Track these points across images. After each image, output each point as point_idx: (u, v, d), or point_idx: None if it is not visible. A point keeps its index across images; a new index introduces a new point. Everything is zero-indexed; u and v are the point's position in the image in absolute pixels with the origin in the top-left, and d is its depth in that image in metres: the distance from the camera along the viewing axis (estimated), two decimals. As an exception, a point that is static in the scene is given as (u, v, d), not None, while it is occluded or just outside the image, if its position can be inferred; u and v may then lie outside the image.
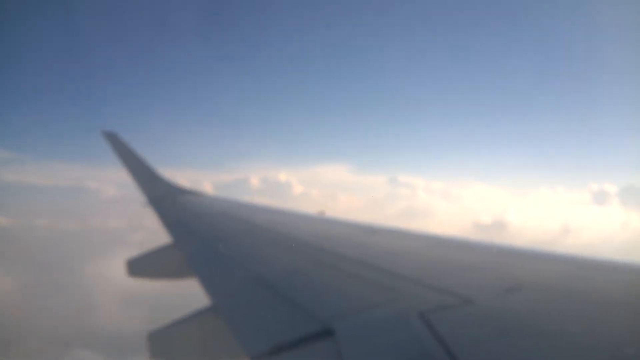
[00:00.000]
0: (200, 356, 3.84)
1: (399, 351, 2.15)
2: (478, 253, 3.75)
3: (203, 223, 7.13)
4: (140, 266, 6.51)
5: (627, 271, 2.88)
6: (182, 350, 3.83)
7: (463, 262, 3.47)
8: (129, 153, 11.34)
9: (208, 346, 3.71)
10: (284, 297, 3.24)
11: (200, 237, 6.08)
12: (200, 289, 3.99)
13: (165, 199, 9.13)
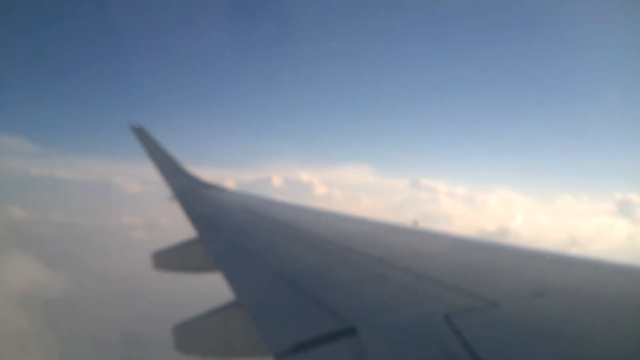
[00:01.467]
0: (224, 350, 3.89)
1: (423, 354, 2.14)
2: (503, 255, 3.70)
3: (228, 218, 7.20)
4: (165, 259, 6.60)
5: None
6: (206, 344, 3.89)
7: (488, 265, 3.44)
8: (156, 147, 11.49)
9: (231, 341, 3.76)
10: (306, 295, 3.25)
11: (225, 232, 6.14)
12: (220, 286, 4.03)
13: (191, 193, 9.24)
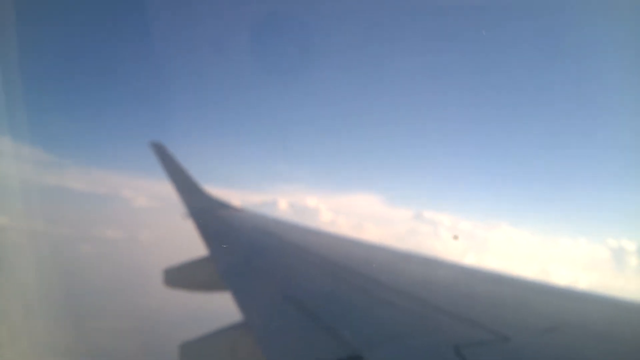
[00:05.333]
0: None
1: None
2: (516, 288, 3.66)
3: (241, 238, 7.21)
4: (176, 277, 6.60)
5: None
6: None
7: (500, 297, 3.39)
8: (175, 165, 11.62)
9: None
10: (314, 319, 3.23)
11: (237, 253, 6.14)
12: (229, 305, 4.01)
13: (205, 212, 9.28)
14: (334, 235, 6.75)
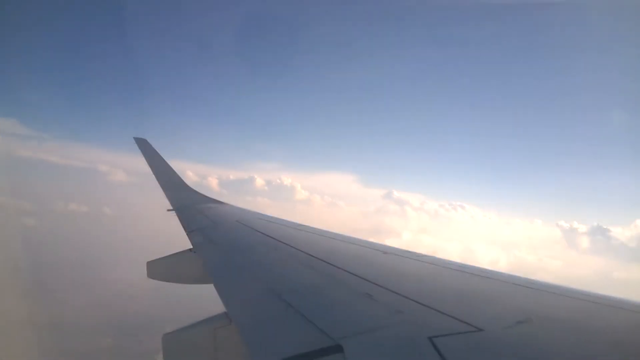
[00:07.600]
0: None
1: None
2: (491, 282, 3.75)
3: (224, 232, 7.24)
4: (159, 269, 6.63)
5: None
6: (194, 355, 3.91)
7: (475, 290, 3.48)
8: (158, 159, 11.62)
9: (219, 353, 3.78)
10: (295, 311, 3.28)
11: (220, 246, 6.18)
12: (211, 297, 4.05)
13: (189, 206, 9.30)
14: (317, 229, 6.83)
